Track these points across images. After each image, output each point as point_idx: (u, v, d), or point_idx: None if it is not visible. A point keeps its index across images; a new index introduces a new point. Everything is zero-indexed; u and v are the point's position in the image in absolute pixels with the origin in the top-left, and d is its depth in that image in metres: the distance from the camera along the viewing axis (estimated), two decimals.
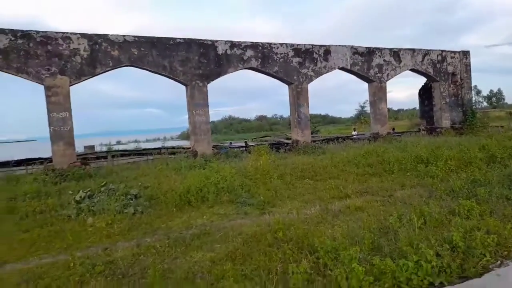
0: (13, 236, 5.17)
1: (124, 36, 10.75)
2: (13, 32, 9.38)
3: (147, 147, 19.33)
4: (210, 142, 12.39)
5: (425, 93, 18.45)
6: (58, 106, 9.86)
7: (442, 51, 17.34)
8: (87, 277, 3.46)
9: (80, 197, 6.89)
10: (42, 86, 9.85)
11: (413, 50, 16.56)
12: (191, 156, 11.63)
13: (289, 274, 2.88)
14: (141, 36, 11.01)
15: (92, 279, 3.36)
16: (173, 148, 15.60)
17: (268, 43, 13.54)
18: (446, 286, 2.81)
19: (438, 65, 17.04)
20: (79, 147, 24.74)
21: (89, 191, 7.16)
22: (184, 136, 42.83)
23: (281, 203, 6.08)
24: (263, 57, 13.37)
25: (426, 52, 16.82)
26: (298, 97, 13.89)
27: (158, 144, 24.81)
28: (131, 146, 24.34)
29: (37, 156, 15.29)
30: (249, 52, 13.11)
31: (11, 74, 9.53)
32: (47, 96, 9.79)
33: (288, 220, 4.57)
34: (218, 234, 4.46)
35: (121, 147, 25.03)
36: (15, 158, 13.39)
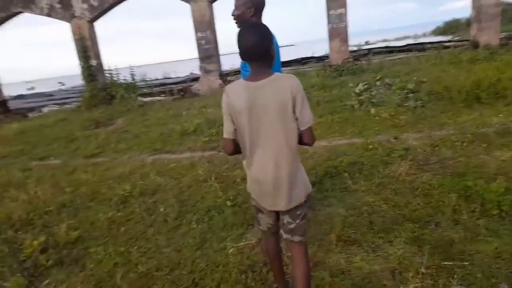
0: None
1: None
2: None
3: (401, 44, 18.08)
4: (498, 30, 10.24)
5: None
6: (335, 3, 10.48)
7: None
8: (388, 158, 3.99)
9: (359, 89, 7.54)
10: None
11: None
12: (470, 47, 10.14)
13: None
14: None
15: (394, 162, 3.82)
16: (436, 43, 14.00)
17: None
18: None
19: None
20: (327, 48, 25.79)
21: (366, 84, 7.69)
22: (439, 31, 36.33)
23: None
24: None
25: None
26: None
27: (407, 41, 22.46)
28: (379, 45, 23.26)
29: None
30: None
31: None
32: None
33: None
34: None
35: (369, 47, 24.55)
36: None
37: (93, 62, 11.86)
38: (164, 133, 6.84)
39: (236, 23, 2.76)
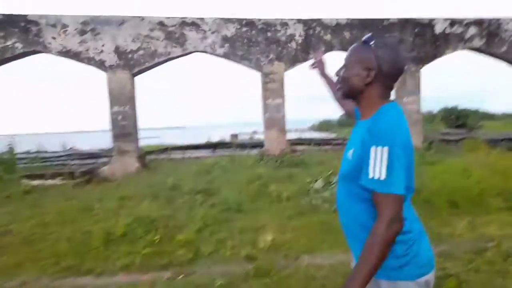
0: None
1: (337, 19, 10.52)
2: (239, 21, 10.17)
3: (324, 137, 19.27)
4: (421, 133, 11.22)
5: None
6: (273, 93, 10.35)
7: None
8: None
9: (319, 186, 6.85)
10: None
11: None
12: None
13: None
14: (353, 19, 10.61)
15: None
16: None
17: (496, 18, 11.39)
18: None
19: None
20: (226, 135, 27.15)
21: (318, 179, 7.08)
22: (314, 128, 41.10)
23: None
24: (488, 35, 11.34)
25: None
26: None
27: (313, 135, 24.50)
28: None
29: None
30: (472, 30, 11.29)
31: (235, 62, 10.39)
32: (264, 83, 10.37)
33: None
34: None
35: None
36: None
37: None
38: (76, 238, 4.78)
39: (338, 89, 1.66)
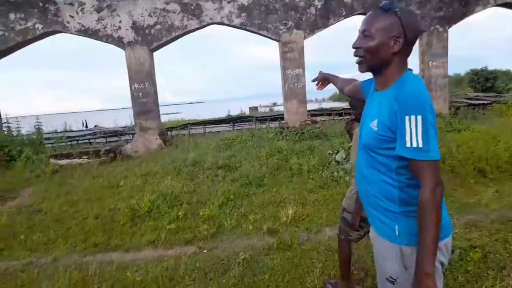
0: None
1: None
2: None
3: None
4: (447, 99, 10.80)
5: None
6: (293, 63, 10.10)
7: None
8: None
9: (341, 157, 6.76)
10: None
11: None
12: None
13: None
14: None
15: None
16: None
17: None
18: None
19: None
20: (245, 108, 27.09)
21: (339, 151, 6.98)
22: (336, 97, 39.98)
23: None
24: None
25: None
26: None
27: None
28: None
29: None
30: None
31: (252, 31, 10.16)
32: (283, 53, 10.12)
33: None
34: None
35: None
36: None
37: None
38: (103, 215, 4.97)
39: (360, 62, 1.56)
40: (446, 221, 1.46)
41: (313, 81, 2.49)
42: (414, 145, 1.31)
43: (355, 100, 2.48)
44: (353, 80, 2.14)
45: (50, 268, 3.59)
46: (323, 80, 2.44)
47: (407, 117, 1.31)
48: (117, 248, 4.03)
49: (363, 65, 1.51)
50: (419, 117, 1.29)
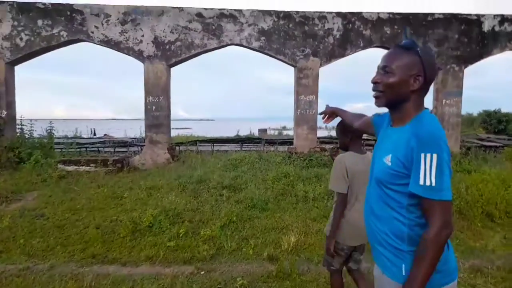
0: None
1: (378, 13, 10.17)
2: (277, 13, 10.06)
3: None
4: (458, 138, 10.72)
5: None
6: (306, 89, 10.19)
7: None
8: None
9: None
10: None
11: None
12: None
13: None
14: (395, 13, 10.22)
15: None
16: None
17: None
18: None
19: None
20: (254, 129, 27.25)
21: None
22: None
23: None
24: None
25: None
26: None
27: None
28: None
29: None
30: None
31: (270, 55, 10.33)
32: (298, 78, 10.22)
33: None
34: None
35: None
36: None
37: (3, 113, 9.52)
38: (104, 226, 4.96)
39: (378, 97, 1.58)
40: (453, 264, 1.44)
41: (321, 114, 2.53)
42: (428, 183, 1.30)
43: (341, 129, 2.61)
44: (363, 115, 2.15)
45: (46, 275, 3.57)
46: (331, 113, 2.47)
47: (423, 154, 1.31)
48: (115, 261, 4.00)
49: (381, 100, 1.54)
50: (435, 155, 1.30)
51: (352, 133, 2.54)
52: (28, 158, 8.65)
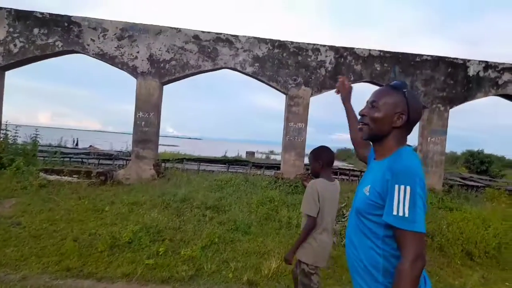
0: None
1: (369, 50, 10.55)
2: (272, 41, 10.33)
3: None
4: (442, 176, 10.95)
5: None
6: (296, 116, 10.35)
7: None
8: None
9: None
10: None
11: None
12: None
13: None
14: (385, 51, 10.61)
15: None
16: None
17: None
18: None
19: None
20: (242, 152, 27.39)
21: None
22: (339, 156, 40.69)
23: None
24: None
25: None
26: None
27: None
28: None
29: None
30: (507, 76, 11.07)
31: (262, 81, 10.52)
32: (289, 106, 10.40)
33: None
34: None
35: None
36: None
37: None
38: (82, 239, 4.85)
39: (361, 129, 1.67)
40: None
41: (339, 78, 2.32)
42: (401, 213, 1.34)
43: (314, 156, 2.87)
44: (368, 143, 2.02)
45: (17, 286, 3.45)
46: (347, 89, 2.26)
47: (396, 186, 1.36)
48: (90, 276, 3.90)
49: (365, 131, 1.63)
50: (408, 188, 1.34)
51: (323, 161, 2.80)
52: (10, 164, 8.47)
